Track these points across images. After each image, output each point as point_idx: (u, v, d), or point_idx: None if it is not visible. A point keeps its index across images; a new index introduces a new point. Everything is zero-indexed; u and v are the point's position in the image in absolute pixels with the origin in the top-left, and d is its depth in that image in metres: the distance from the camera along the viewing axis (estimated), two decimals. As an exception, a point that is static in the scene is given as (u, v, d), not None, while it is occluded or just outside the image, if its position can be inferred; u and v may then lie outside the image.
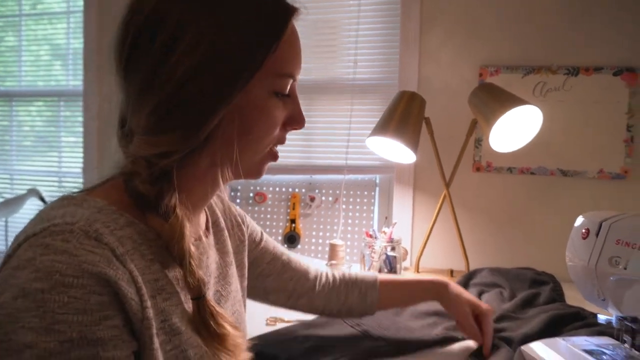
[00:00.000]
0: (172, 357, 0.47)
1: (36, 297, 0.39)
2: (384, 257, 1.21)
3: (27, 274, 0.40)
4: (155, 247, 0.48)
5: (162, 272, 0.48)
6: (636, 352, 0.68)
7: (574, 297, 1.06)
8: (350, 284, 0.86)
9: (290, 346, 0.82)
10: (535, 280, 1.15)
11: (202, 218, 0.62)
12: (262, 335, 0.86)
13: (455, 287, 0.86)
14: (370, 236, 1.25)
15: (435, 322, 0.95)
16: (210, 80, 0.47)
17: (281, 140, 0.57)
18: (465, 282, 1.18)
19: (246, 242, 0.73)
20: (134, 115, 0.50)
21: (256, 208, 1.69)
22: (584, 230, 0.71)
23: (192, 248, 0.49)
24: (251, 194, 1.69)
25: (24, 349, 0.38)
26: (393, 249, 1.21)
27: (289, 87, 0.53)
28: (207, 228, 0.63)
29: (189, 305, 0.50)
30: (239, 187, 1.71)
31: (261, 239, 0.81)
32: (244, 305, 0.70)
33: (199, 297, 0.49)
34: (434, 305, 1.02)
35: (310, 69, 1.62)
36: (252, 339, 0.71)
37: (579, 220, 0.74)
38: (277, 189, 1.69)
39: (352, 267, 1.26)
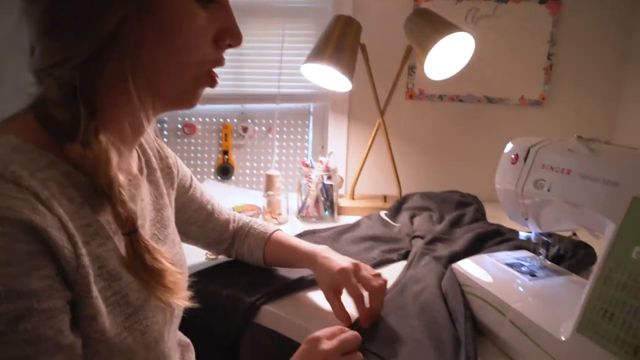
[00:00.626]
0: (113, 303, 0.45)
1: None
2: (320, 186, 1.21)
3: None
4: (83, 190, 0.43)
5: (93, 216, 0.44)
6: (549, 262, 0.76)
7: (495, 216, 1.15)
8: (243, 238, 0.86)
9: (230, 280, 0.81)
10: (461, 202, 1.23)
11: (134, 158, 0.57)
12: (201, 271, 0.85)
13: (328, 258, 0.74)
14: (307, 166, 1.24)
15: (372, 246, 0.99)
16: None
17: (218, 61, 0.50)
18: (398, 207, 1.23)
19: (175, 186, 0.69)
20: (29, 25, 0.43)
21: (185, 140, 1.59)
22: (512, 156, 0.75)
23: (121, 177, 0.45)
24: (179, 125, 1.59)
25: None
26: (329, 177, 1.22)
27: None
28: (139, 169, 0.57)
29: (124, 251, 0.46)
30: (166, 119, 1.59)
31: (190, 185, 0.77)
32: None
33: (131, 232, 0.45)
34: (372, 230, 1.06)
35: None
36: (192, 275, 0.70)
37: (509, 146, 0.78)
38: (207, 119, 1.59)
39: (290, 197, 1.26)
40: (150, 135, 0.66)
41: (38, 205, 0.38)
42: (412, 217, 1.15)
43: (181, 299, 0.49)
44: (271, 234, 0.84)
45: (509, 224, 1.10)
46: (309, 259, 0.76)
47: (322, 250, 0.76)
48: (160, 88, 0.47)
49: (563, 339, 0.56)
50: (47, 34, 0.43)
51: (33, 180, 0.39)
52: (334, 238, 1.02)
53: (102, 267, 0.44)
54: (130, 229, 0.45)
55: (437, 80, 1.28)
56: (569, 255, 0.89)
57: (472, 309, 0.71)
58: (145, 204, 0.56)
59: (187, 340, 0.69)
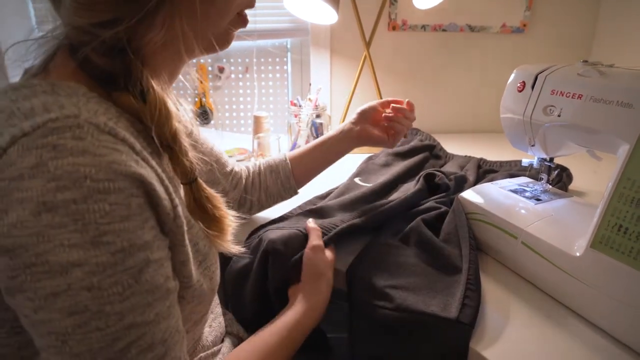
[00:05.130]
0: (192, 250, 0.46)
1: (68, 209, 0.33)
2: (310, 124, 1.18)
3: (42, 184, 0.33)
4: (147, 139, 0.42)
5: (164, 164, 0.44)
6: (549, 186, 0.79)
7: (477, 145, 1.17)
8: (269, 170, 0.84)
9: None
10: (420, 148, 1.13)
11: None
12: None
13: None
14: (295, 105, 1.20)
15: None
16: None
17: (249, 3, 0.49)
18: (368, 169, 1.07)
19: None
20: None
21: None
22: (519, 84, 0.74)
23: (180, 127, 0.44)
24: (148, 68, 1.48)
25: (70, 268, 0.33)
26: (318, 116, 1.19)
27: None
28: None
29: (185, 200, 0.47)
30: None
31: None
32: None
33: (192, 181, 0.46)
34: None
35: None
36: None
37: (514, 74, 0.77)
38: (179, 59, 1.49)
39: (281, 139, 1.23)
40: None
41: (138, 158, 0.37)
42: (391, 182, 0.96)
43: (233, 245, 0.52)
44: (284, 157, 0.84)
45: (493, 152, 1.13)
46: (345, 131, 0.83)
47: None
48: (202, 35, 0.46)
49: (578, 254, 0.59)
50: None
51: (123, 131, 0.37)
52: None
53: (185, 215, 0.44)
54: (191, 177, 0.45)
55: (419, 10, 1.23)
56: (556, 179, 0.93)
57: (480, 235, 0.74)
58: None
59: None
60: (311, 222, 0.71)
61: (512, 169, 0.99)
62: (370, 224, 0.74)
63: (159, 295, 0.39)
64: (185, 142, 0.44)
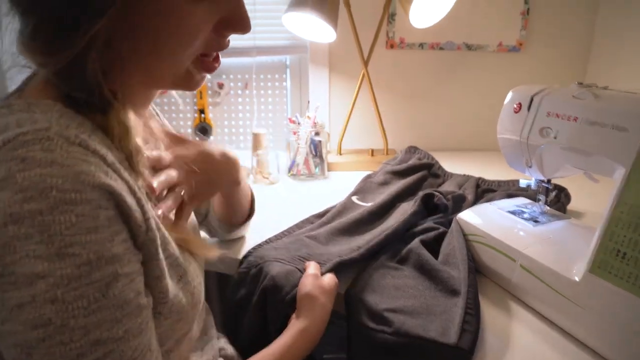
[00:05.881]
0: (169, 265, 0.46)
1: (34, 220, 0.33)
2: (309, 142, 1.19)
3: (9, 195, 0.33)
4: (119, 153, 0.43)
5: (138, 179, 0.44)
6: (547, 208, 0.79)
7: (472, 164, 1.18)
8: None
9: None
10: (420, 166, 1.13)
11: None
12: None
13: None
14: (294, 122, 1.21)
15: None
16: None
17: (220, 45, 0.47)
18: (365, 187, 1.04)
19: None
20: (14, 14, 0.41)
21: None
22: (515, 105, 0.75)
23: (141, 147, 0.45)
24: (148, 84, 1.49)
25: (35, 279, 0.33)
26: (317, 133, 1.20)
27: None
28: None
29: None
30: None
31: None
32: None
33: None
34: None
35: None
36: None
37: (509, 95, 0.78)
38: (179, 76, 1.50)
39: (279, 155, 1.24)
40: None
41: (109, 170, 0.37)
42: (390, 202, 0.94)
43: (211, 254, 0.53)
44: None
45: (491, 170, 1.13)
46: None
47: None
48: (158, 73, 0.45)
49: (576, 279, 0.59)
50: (35, 33, 0.39)
51: (95, 143, 0.37)
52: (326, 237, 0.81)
53: (159, 229, 0.44)
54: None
55: (416, 29, 1.25)
56: (554, 200, 0.93)
57: (479, 257, 0.73)
58: None
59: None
60: (312, 267, 0.68)
61: (511, 189, 0.99)
62: (368, 255, 0.74)
63: (129, 311, 0.38)
64: (143, 163, 0.44)
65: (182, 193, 0.53)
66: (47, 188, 0.33)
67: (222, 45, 0.47)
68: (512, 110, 0.76)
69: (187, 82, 0.47)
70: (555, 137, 0.68)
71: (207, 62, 0.47)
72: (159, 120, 0.64)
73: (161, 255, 0.43)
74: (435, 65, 1.47)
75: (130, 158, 0.43)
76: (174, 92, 0.62)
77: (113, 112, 0.41)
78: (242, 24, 0.46)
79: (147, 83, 0.47)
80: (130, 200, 0.38)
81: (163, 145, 0.55)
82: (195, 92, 1.49)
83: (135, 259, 0.40)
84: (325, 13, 1.13)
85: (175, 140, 0.58)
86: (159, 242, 0.42)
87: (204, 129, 1.51)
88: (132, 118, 0.43)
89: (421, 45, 1.45)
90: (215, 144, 0.64)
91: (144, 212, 0.40)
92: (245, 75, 1.52)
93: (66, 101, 0.41)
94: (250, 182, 1.15)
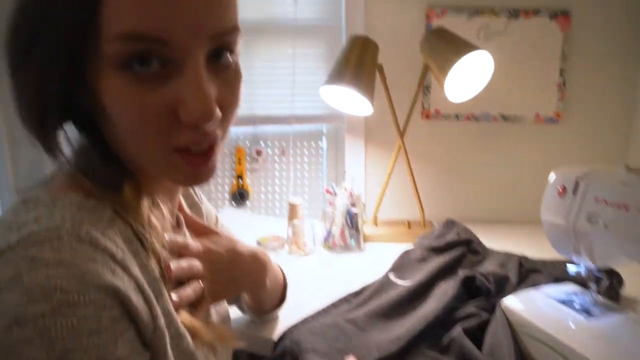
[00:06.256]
0: None
1: (37, 324, 0.32)
2: (345, 213, 1.19)
3: (16, 297, 0.33)
4: (137, 241, 0.43)
5: (152, 264, 0.43)
6: (600, 297, 0.74)
7: (509, 239, 1.13)
8: None
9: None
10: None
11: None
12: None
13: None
14: (330, 193, 1.22)
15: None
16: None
17: (193, 138, 0.40)
18: (403, 264, 1.02)
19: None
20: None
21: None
22: (560, 188, 0.73)
23: (154, 219, 0.44)
24: (190, 151, 1.55)
25: None
26: (353, 204, 1.20)
27: (147, 53, 0.37)
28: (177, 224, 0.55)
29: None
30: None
31: (216, 223, 0.73)
32: None
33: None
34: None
35: (244, 7, 1.46)
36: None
37: (552, 176, 0.76)
38: (220, 144, 1.56)
39: (315, 225, 1.24)
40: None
41: (116, 268, 0.37)
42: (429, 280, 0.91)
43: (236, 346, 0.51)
44: None
45: (532, 246, 1.09)
46: None
47: None
48: (136, 160, 0.44)
49: (640, 388, 0.54)
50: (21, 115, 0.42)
51: (106, 240, 0.38)
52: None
53: (171, 324, 0.43)
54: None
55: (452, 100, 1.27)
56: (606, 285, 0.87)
57: (526, 349, 0.69)
58: None
59: None
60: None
61: (557, 269, 0.94)
62: (408, 347, 0.71)
63: None
64: (156, 245, 0.43)
65: (202, 287, 0.51)
66: (51, 289, 0.33)
67: (194, 137, 0.40)
68: (556, 192, 0.74)
69: (175, 175, 0.43)
70: (605, 227, 0.65)
71: (190, 155, 0.42)
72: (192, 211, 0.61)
73: (170, 354, 0.41)
74: (471, 136, 1.47)
75: (143, 236, 0.42)
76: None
77: (127, 188, 0.42)
78: (193, 108, 0.38)
79: (142, 170, 0.45)
80: (136, 298, 0.38)
81: (191, 235, 0.55)
82: (233, 157, 1.54)
83: (140, 359, 0.38)
84: (362, 87, 1.16)
85: (206, 232, 0.58)
86: (167, 340, 0.41)
87: (241, 195, 1.55)
88: (143, 195, 0.44)
89: (457, 116, 1.46)
90: (245, 244, 0.62)
91: (151, 309, 0.39)
92: (282, 143, 1.56)
93: (90, 188, 0.42)
94: (285, 253, 1.15)
